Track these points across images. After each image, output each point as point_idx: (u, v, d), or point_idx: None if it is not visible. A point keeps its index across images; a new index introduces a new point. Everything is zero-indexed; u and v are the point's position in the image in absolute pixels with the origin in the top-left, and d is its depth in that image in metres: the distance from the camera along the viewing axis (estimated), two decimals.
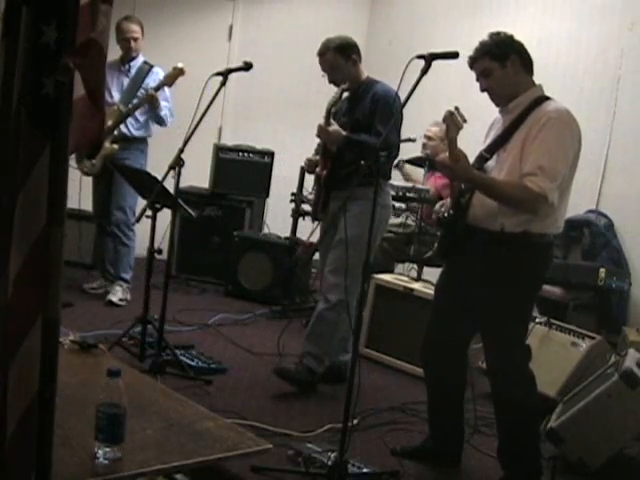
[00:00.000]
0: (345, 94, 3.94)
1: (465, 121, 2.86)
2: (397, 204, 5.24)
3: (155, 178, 3.88)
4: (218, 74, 3.81)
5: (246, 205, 6.07)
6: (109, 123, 4.86)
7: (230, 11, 6.87)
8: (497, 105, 3.01)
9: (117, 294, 5.06)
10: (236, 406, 3.51)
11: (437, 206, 3.22)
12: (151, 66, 5.05)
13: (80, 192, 5.20)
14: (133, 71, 5.03)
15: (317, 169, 4.01)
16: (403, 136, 5.00)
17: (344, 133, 3.79)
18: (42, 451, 1.53)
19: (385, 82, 3.89)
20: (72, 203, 5.29)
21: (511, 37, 2.96)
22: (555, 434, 3.21)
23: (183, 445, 2.04)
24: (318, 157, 4.07)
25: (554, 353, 3.93)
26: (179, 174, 3.73)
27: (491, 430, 3.54)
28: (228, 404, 3.52)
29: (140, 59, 5.05)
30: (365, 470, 2.95)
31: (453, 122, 2.82)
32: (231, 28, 6.87)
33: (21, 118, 1.45)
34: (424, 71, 2.72)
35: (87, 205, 5.45)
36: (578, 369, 3.83)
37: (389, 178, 4.00)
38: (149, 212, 3.87)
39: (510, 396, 2.96)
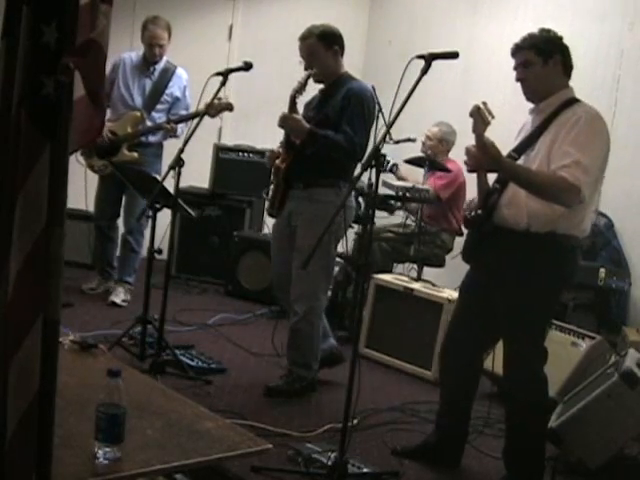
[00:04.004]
0: (311, 81, 3.75)
1: (493, 117, 2.83)
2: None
3: (155, 178, 3.88)
4: (218, 74, 3.80)
5: (246, 205, 6.07)
6: (129, 129, 4.87)
7: (230, 11, 6.87)
8: (528, 99, 2.98)
9: (120, 295, 5.07)
10: (236, 406, 3.51)
11: (465, 204, 3.20)
12: (175, 67, 5.03)
13: (86, 193, 5.20)
14: (156, 74, 5.01)
15: (277, 161, 3.83)
16: (403, 136, 5.01)
17: (307, 126, 3.64)
18: (42, 451, 1.53)
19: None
20: (79, 204, 5.32)
21: (560, 38, 2.95)
22: (555, 434, 3.21)
23: (183, 445, 2.03)
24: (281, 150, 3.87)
25: (554, 353, 3.89)
26: (179, 174, 3.73)
27: (492, 430, 3.54)
28: (228, 404, 3.52)
29: (164, 59, 5.03)
30: (365, 470, 2.95)
31: (480, 117, 2.81)
32: (231, 28, 6.87)
33: (21, 118, 1.45)
34: (424, 71, 2.70)
35: (85, 205, 5.43)
36: (578, 369, 3.82)
37: (350, 179, 3.73)
38: (149, 212, 3.87)
39: (524, 399, 2.95)
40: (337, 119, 3.65)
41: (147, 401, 2.29)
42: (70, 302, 4.70)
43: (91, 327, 4.32)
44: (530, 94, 2.96)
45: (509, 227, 2.89)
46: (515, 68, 2.96)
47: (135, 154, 4.90)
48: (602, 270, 4.67)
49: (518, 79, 2.96)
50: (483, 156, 2.83)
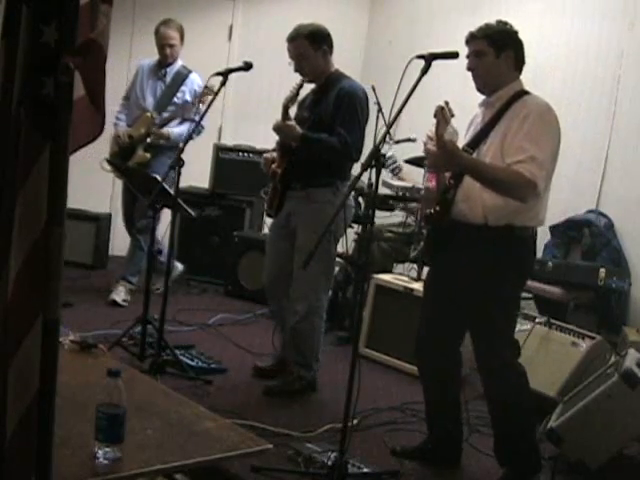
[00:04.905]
0: (301, 89, 3.77)
1: (453, 115, 2.88)
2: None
3: (155, 178, 3.88)
4: (218, 74, 3.81)
5: (246, 205, 6.07)
6: (142, 130, 4.90)
7: (230, 11, 6.87)
8: (478, 89, 3.00)
9: (120, 294, 5.08)
10: (236, 406, 3.51)
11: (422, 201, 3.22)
12: (189, 72, 5.05)
13: (112, 199, 5.23)
14: (169, 77, 5.03)
15: (273, 166, 3.82)
16: (403, 136, 5.01)
17: (301, 131, 3.64)
18: (42, 451, 1.53)
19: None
20: (104, 207, 5.32)
21: (516, 33, 2.98)
22: (555, 434, 3.21)
23: (183, 445, 2.03)
24: (276, 154, 3.87)
25: (554, 353, 3.93)
26: (179, 174, 3.73)
27: (490, 429, 3.53)
28: (228, 404, 3.52)
29: (178, 63, 5.07)
30: (365, 470, 2.95)
31: (443, 117, 2.83)
32: (231, 28, 6.87)
33: (21, 118, 1.45)
34: (424, 71, 2.71)
35: (88, 205, 5.44)
36: (578, 369, 3.82)
37: (348, 179, 3.78)
38: (149, 212, 3.88)
39: (501, 392, 2.96)
40: (330, 120, 3.65)
41: (147, 401, 2.29)
42: (70, 302, 4.70)
43: (91, 327, 4.31)
44: (480, 85, 2.98)
45: (467, 221, 2.91)
46: (467, 56, 2.96)
47: (148, 155, 4.94)
48: (602, 270, 4.67)
49: (469, 68, 2.97)
50: (443, 154, 2.83)
